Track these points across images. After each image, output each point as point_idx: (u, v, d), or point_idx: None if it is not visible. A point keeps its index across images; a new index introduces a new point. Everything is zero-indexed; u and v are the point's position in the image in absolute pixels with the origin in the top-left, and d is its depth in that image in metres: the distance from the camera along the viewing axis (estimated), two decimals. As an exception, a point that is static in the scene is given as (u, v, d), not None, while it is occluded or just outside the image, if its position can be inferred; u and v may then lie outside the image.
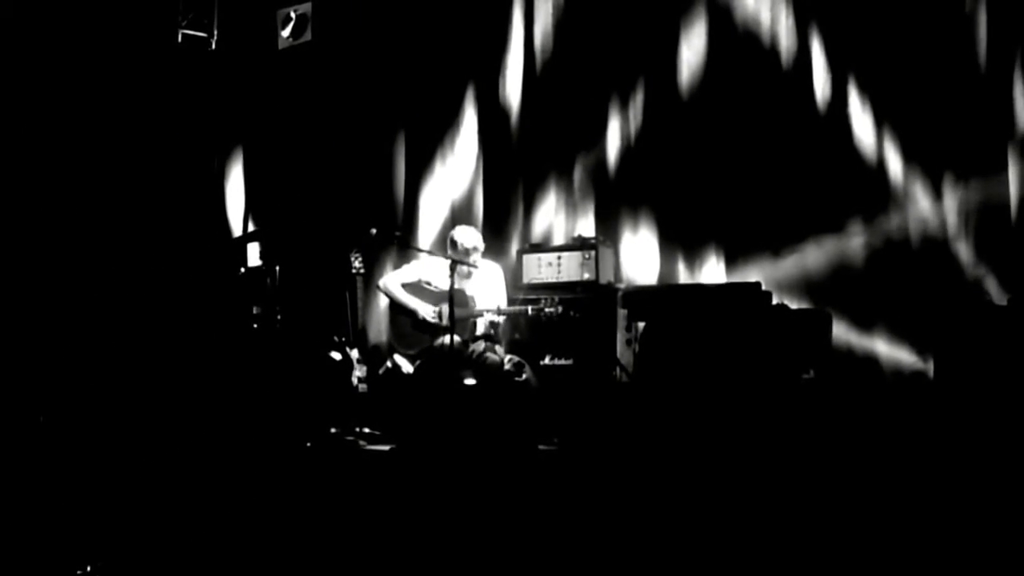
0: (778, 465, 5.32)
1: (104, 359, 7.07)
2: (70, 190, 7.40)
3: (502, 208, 8.34)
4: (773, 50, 7.16)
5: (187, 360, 7.14)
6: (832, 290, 7.13)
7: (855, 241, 7.06)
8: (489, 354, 6.60)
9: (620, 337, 7.10)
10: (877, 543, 4.21)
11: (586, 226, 7.96)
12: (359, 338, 7.39)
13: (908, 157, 6.78)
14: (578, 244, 7.62)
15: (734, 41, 7.38)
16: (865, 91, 7.05)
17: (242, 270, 7.63)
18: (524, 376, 6.56)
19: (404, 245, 7.67)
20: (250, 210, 8.61)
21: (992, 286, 6.60)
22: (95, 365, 7.04)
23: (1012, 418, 5.48)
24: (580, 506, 4.88)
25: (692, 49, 7.50)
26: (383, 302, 7.33)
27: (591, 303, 7.12)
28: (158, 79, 7.79)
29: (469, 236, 6.88)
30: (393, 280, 7.07)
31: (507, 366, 6.57)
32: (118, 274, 7.45)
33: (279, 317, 7.17)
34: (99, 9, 7.46)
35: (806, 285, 7.16)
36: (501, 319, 6.97)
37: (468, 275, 6.79)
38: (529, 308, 7.03)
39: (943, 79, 6.66)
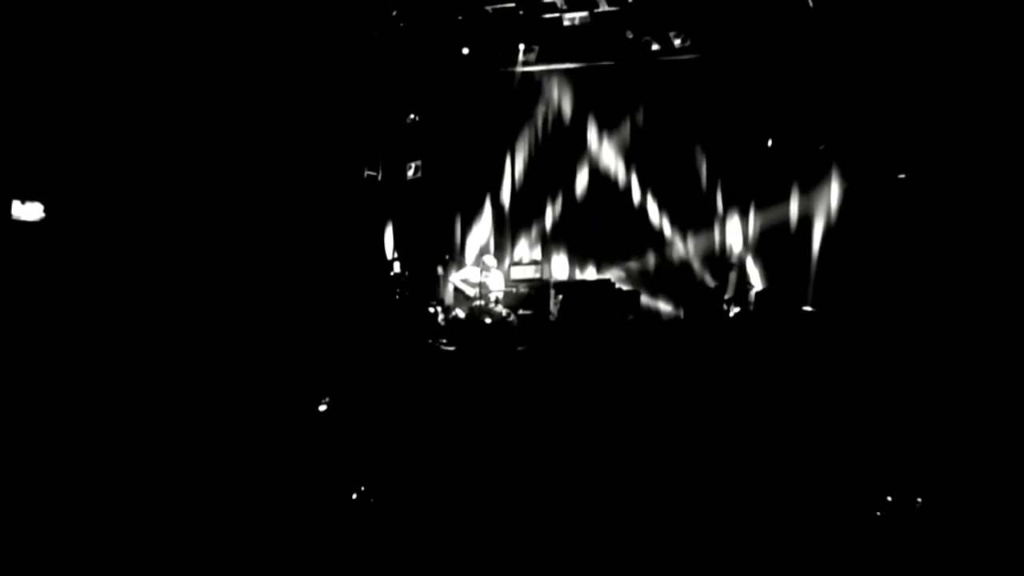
0: (618, 357, 6.10)
1: (337, 317, 6.98)
2: (327, 256, 7.40)
3: (503, 248, 9.27)
4: (616, 182, 9.37)
5: (370, 314, 7.31)
6: (641, 282, 8.57)
7: (650, 260, 8.89)
8: (496, 309, 7.39)
9: (552, 302, 8.50)
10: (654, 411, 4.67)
11: (537, 254, 9.31)
12: (441, 303, 8.80)
13: (673, 226, 8.08)
14: (533, 262, 8.88)
15: (599, 178, 9.11)
16: (656, 198, 8.82)
17: (391, 274, 8.00)
18: (511, 319, 7.21)
19: (460, 263, 8.32)
20: (396, 247, 8.94)
21: (708, 280, 7.73)
22: (338, 320, 6.97)
23: (720, 341, 6.43)
24: (538, 376, 5.75)
25: (581, 179, 9.59)
26: (451, 287, 7.93)
27: (540, 288, 8.48)
28: (358, 195, 8.06)
29: (490, 259, 8.78)
30: (456, 277, 8.36)
31: (504, 315, 7.13)
32: (344, 277, 7.47)
33: (407, 294, 7.54)
34: (326, 161, 7.54)
35: (630, 280, 8.71)
36: (501, 294, 8.36)
37: (488, 276, 7.38)
38: (513, 290, 8.45)
39: (688, 194, 8.19)
